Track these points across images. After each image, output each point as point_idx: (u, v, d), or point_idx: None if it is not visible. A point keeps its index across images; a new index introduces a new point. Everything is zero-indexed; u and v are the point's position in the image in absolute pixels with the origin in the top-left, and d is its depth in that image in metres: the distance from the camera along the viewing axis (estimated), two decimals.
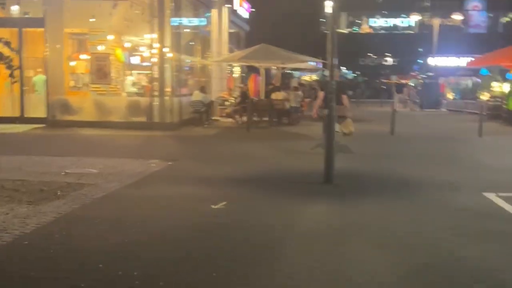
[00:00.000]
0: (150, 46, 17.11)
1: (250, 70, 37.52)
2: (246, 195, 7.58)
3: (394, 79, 47.94)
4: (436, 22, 33.88)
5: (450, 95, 30.82)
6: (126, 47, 18.50)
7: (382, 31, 53.08)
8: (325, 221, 6.33)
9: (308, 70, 52.44)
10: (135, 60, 18.73)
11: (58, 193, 7.37)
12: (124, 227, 5.81)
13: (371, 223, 6.14)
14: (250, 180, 8.70)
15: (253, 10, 28.58)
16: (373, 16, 53.31)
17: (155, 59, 16.80)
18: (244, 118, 17.47)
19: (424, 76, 37.72)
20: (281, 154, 11.90)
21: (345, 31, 53.95)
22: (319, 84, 34.72)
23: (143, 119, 16.50)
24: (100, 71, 16.48)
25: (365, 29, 53.92)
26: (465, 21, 50.85)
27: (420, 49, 48.68)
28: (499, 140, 15.09)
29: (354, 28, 54.18)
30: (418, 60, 49.53)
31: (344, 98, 11.84)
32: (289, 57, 19.93)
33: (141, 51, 18.59)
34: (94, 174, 8.96)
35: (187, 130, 16.51)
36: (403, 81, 50.85)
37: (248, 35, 29.74)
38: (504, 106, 21.49)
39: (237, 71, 27.56)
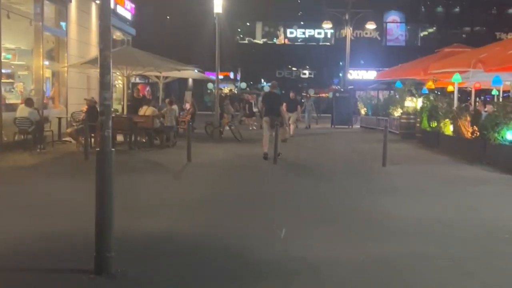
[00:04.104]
0: None
1: (141, 80, 33.45)
2: None
3: (311, 92, 44.92)
4: (349, 32, 31.12)
5: (362, 111, 27.87)
6: None
7: (300, 43, 50.24)
8: None
9: (225, 82, 49.31)
10: None
11: None
12: None
13: None
14: None
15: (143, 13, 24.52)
16: (290, 27, 50.35)
17: None
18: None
19: (340, 89, 34.87)
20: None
21: (261, 41, 50.86)
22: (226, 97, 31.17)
23: None
24: None
25: (282, 40, 50.93)
26: (383, 34, 49.02)
27: (341, 63, 46.20)
28: (406, 172, 11.71)
29: (274, 40, 51.11)
30: (340, 74, 47.10)
31: (282, 109, 13.32)
32: (159, 64, 16.00)
33: None
34: None
35: (4, 157, 12.21)
36: (321, 95, 48.48)
37: (136, 41, 25.63)
38: (418, 125, 18.56)
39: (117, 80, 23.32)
